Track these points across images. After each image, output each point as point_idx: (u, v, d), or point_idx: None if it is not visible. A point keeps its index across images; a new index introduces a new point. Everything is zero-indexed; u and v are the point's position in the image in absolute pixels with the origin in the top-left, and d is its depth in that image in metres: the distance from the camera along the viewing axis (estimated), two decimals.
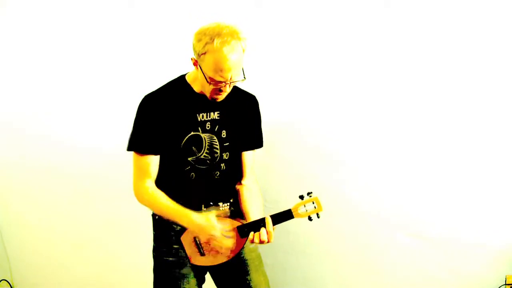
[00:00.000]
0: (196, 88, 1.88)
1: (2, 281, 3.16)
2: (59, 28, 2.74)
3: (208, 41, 1.70)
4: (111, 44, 2.66)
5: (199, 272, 2.01)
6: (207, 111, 1.90)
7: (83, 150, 2.82)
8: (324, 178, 2.40)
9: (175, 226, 1.94)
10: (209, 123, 1.91)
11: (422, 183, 2.26)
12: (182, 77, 1.93)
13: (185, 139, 1.88)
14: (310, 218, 1.91)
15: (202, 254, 1.95)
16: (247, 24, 2.33)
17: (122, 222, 2.83)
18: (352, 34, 2.27)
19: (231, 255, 1.96)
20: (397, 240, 2.35)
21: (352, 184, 2.39)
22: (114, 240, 2.91)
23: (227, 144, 1.95)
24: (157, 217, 2.00)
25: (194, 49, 1.77)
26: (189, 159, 1.90)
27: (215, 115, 1.91)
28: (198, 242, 1.94)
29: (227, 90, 1.81)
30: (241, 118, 1.98)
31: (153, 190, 1.91)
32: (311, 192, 1.90)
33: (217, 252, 1.94)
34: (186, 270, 1.96)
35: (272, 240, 1.89)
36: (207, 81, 1.77)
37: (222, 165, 1.96)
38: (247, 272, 2.01)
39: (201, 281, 2.04)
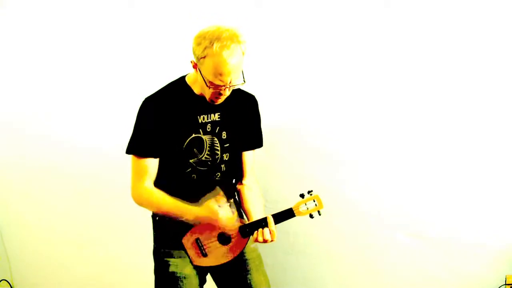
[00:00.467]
0: (196, 90, 1.88)
1: (2, 281, 3.16)
2: (59, 28, 2.74)
3: (208, 45, 1.69)
4: (111, 44, 2.66)
5: (200, 273, 2.01)
6: (208, 112, 1.90)
7: (83, 150, 2.82)
8: (324, 178, 2.40)
9: (175, 226, 1.94)
10: (209, 124, 1.91)
11: (422, 183, 2.26)
12: (182, 79, 1.93)
13: (186, 141, 1.88)
14: (311, 216, 1.93)
15: (204, 255, 1.95)
16: (247, 24, 2.34)
17: (122, 222, 2.83)
18: (352, 34, 2.27)
19: (234, 255, 1.96)
20: (397, 240, 2.35)
21: (352, 184, 2.39)
22: (114, 240, 2.91)
23: (227, 145, 1.96)
24: (157, 218, 2.00)
25: (193, 52, 1.76)
26: (191, 161, 1.90)
27: (215, 117, 1.91)
28: (200, 243, 1.94)
29: (227, 93, 1.81)
30: (241, 119, 1.98)
31: (152, 189, 1.91)
32: (312, 190, 1.92)
33: (219, 251, 1.94)
34: (187, 271, 1.96)
35: (275, 239, 1.90)
36: (207, 85, 1.77)
37: (223, 166, 1.97)
38: (247, 272, 2.01)
39: (202, 281, 2.04)
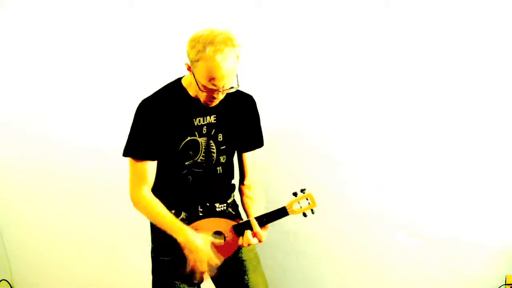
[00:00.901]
0: (192, 92, 1.88)
1: (2, 281, 3.16)
2: (59, 29, 2.74)
3: (201, 49, 1.67)
4: (111, 45, 2.66)
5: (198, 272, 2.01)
6: (204, 115, 1.90)
7: (83, 151, 2.82)
8: (324, 178, 2.40)
9: None
10: (205, 127, 1.90)
11: (422, 183, 2.26)
12: (178, 81, 1.92)
13: (182, 144, 1.88)
14: (305, 215, 1.91)
15: None
16: (247, 24, 2.35)
17: (122, 222, 2.83)
18: (352, 35, 2.27)
19: (227, 255, 1.96)
20: (397, 240, 2.35)
21: (352, 184, 2.39)
22: (114, 240, 2.91)
23: (224, 147, 1.95)
24: None
25: (188, 55, 1.75)
26: (186, 163, 1.90)
27: (211, 119, 1.91)
28: None
29: (220, 97, 1.80)
30: (238, 120, 1.97)
31: (150, 198, 1.91)
32: (305, 189, 1.90)
33: (213, 251, 1.94)
34: (184, 271, 1.96)
35: (264, 239, 1.89)
36: (200, 89, 1.76)
37: (219, 168, 1.97)
38: (245, 272, 2.01)
39: (199, 281, 2.04)
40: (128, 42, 2.62)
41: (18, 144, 2.97)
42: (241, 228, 1.92)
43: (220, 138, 1.94)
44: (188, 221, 1.93)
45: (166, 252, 1.96)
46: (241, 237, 1.91)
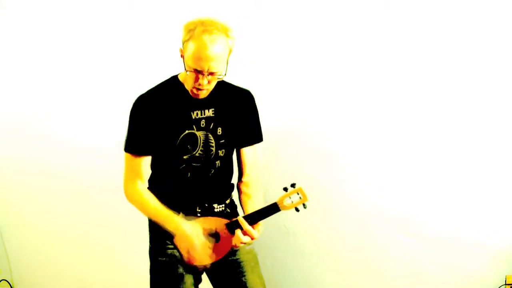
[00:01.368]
0: (187, 85, 1.89)
1: (2, 281, 3.16)
2: (59, 29, 2.74)
3: (192, 28, 1.72)
4: (111, 45, 2.66)
5: (195, 272, 2.01)
6: (201, 108, 1.89)
7: (83, 151, 2.82)
8: (324, 178, 2.40)
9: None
10: (204, 120, 1.90)
11: (422, 183, 2.26)
12: (175, 77, 1.93)
13: (180, 137, 1.88)
14: (297, 209, 1.90)
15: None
16: (247, 24, 2.34)
17: (121, 222, 2.83)
18: (352, 35, 2.27)
19: (223, 253, 1.96)
20: (397, 240, 2.35)
21: (352, 184, 2.39)
22: (113, 240, 2.91)
23: (223, 141, 1.95)
24: None
25: (181, 40, 1.77)
26: (184, 157, 1.90)
27: (209, 113, 1.91)
28: None
29: (205, 83, 1.78)
30: (236, 115, 1.97)
31: (143, 191, 1.92)
32: (295, 183, 1.88)
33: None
34: (182, 270, 1.96)
35: (256, 236, 1.89)
36: (185, 69, 1.76)
37: (217, 162, 1.96)
38: (242, 274, 2.01)
39: (197, 281, 2.04)
40: (128, 43, 2.63)
41: (18, 144, 2.97)
42: (233, 226, 1.91)
43: (219, 132, 1.93)
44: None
45: (163, 252, 1.96)
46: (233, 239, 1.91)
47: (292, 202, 1.88)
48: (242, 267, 2.01)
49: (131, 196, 1.94)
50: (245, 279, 2.00)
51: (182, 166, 1.91)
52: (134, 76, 2.62)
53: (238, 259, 2.01)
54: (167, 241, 1.95)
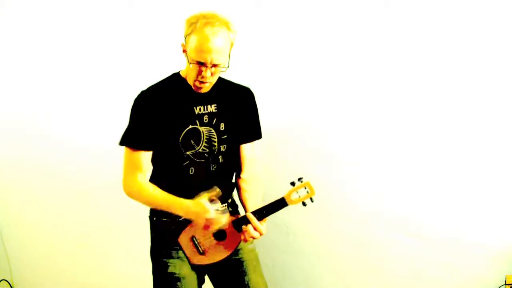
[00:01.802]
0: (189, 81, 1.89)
1: (2, 281, 3.17)
2: (59, 29, 2.74)
3: (194, 21, 1.75)
4: (111, 45, 2.66)
5: (198, 273, 2.01)
6: (204, 104, 1.90)
7: (83, 151, 2.82)
8: (324, 178, 2.39)
9: (172, 227, 1.94)
10: (206, 116, 1.91)
11: (422, 183, 2.26)
12: (176, 73, 1.94)
13: (183, 133, 1.88)
14: (304, 204, 1.90)
15: (201, 253, 1.95)
16: (247, 24, 2.34)
17: (122, 222, 2.83)
18: (352, 34, 2.27)
19: (230, 251, 1.96)
20: (397, 240, 2.35)
21: (352, 184, 2.39)
22: (113, 241, 2.91)
23: (225, 136, 1.95)
24: (154, 218, 1.99)
25: (184, 34, 1.80)
26: (188, 153, 1.90)
27: (212, 108, 1.91)
28: (196, 241, 1.94)
29: (208, 76, 1.79)
30: (237, 111, 1.98)
31: (143, 182, 1.91)
32: (302, 178, 1.89)
33: (216, 248, 1.94)
34: (185, 271, 1.96)
35: (264, 232, 1.90)
36: (189, 62, 1.78)
37: (220, 157, 1.96)
38: (245, 273, 2.01)
39: (200, 281, 2.04)
40: (129, 43, 2.63)
41: (18, 144, 2.97)
42: (240, 222, 1.92)
43: (222, 128, 1.94)
44: (188, 220, 1.92)
45: (166, 253, 1.96)
46: (242, 232, 1.91)
47: (300, 196, 1.88)
48: (244, 266, 2.01)
49: (131, 189, 1.91)
50: (247, 278, 2.00)
51: (186, 162, 1.91)
52: (134, 76, 2.61)
53: (240, 258, 2.01)
54: (170, 241, 1.95)
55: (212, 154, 1.94)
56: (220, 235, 1.95)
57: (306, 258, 2.56)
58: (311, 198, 1.90)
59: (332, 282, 2.54)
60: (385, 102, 2.27)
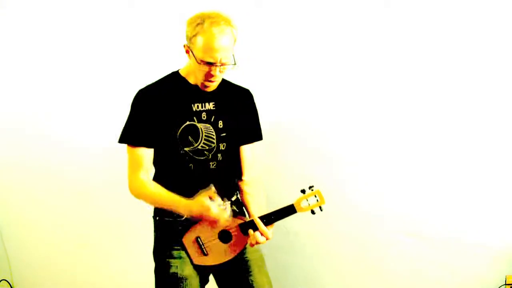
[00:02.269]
0: (191, 80, 1.91)
1: (2, 281, 3.16)
2: (59, 29, 2.74)
3: (200, 22, 1.76)
4: (111, 45, 2.66)
5: (202, 273, 2.01)
6: (202, 101, 1.91)
7: (83, 150, 2.82)
8: (324, 178, 2.39)
9: (175, 227, 1.94)
10: (204, 113, 1.92)
11: (422, 183, 2.26)
12: (175, 72, 1.95)
13: (180, 129, 1.88)
14: (313, 212, 1.91)
15: (205, 254, 1.95)
16: (247, 24, 2.34)
17: (122, 222, 2.83)
18: (352, 34, 2.27)
19: (234, 254, 1.96)
20: (397, 240, 2.35)
21: (352, 184, 2.39)
22: (114, 240, 2.91)
23: (224, 134, 1.95)
24: (157, 218, 1.99)
25: (186, 35, 1.81)
26: (186, 149, 1.90)
27: (210, 106, 1.92)
28: (200, 242, 1.94)
29: (217, 74, 1.82)
30: (236, 111, 1.98)
31: (147, 181, 1.91)
32: (313, 186, 1.90)
33: (220, 250, 1.94)
34: (188, 271, 1.95)
35: (270, 237, 1.91)
36: (197, 62, 1.78)
37: (219, 155, 1.96)
38: (249, 273, 2.00)
39: (204, 282, 2.04)
40: (129, 43, 2.63)
41: (18, 144, 2.97)
42: (246, 226, 1.92)
43: (220, 125, 1.94)
44: (192, 220, 1.91)
45: (170, 253, 1.96)
46: (248, 235, 1.91)
47: (309, 204, 1.90)
48: (249, 266, 2.01)
49: (136, 190, 1.91)
50: (252, 278, 2.00)
51: (185, 159, 1.91)
52: (134, 76, 2.61)
53: (245, 257, 2.01)
54: (174, 242, 1.95)
55: (211, 151, 1.94)
56: (225, 237, 1.95)
57: (306, 258, 2.56)
58: (320, 207, 1.90)
59: (332, 282, 2.54)
60: (385, 102, 2.27)
